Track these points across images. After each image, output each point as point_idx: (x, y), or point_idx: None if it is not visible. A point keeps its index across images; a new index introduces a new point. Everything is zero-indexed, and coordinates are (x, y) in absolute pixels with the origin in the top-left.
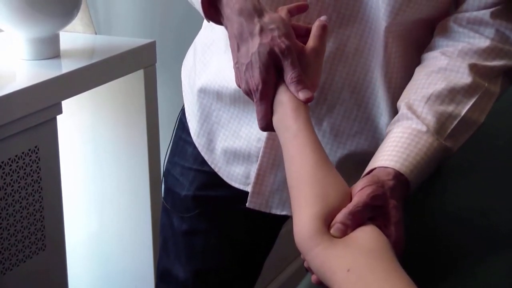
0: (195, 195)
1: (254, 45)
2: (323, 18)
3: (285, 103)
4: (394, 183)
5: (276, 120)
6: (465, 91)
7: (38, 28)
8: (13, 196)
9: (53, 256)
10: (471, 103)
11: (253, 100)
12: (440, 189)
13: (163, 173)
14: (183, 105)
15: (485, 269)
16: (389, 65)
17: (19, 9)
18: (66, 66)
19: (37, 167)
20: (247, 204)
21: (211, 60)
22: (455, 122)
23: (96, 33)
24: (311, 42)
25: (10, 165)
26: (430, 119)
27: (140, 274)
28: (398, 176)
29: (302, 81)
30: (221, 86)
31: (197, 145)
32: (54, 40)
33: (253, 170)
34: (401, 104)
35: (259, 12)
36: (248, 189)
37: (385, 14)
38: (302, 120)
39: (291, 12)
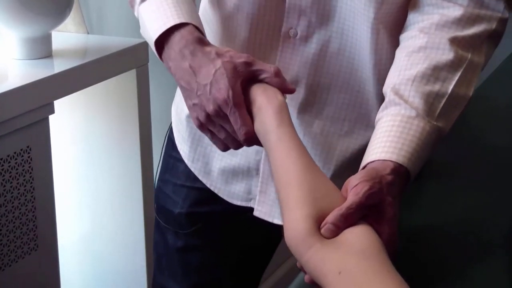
0: (188, 212)
1: (215, 64)
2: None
3: (265, 109)
4: (392, 178)
5: (257, 126)
6: (449, 67)
7: (30, 27)
8: (5, 196)
9: (45, 256)
10: (456, 78)
11: (225, 118)
12: (433, 190)
13: (155, 190)
14: (171, 123)
15: (479, 269)
16: (377, 56)
17: (11, 8)
18: (58, 66)
19: (29, 167)
20: (254, 212)
21: None
22: (444, 101)
23: (88, 33)
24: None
25: (2, 165)
26: (418, 101)
27: (132, 274)
28: (397, 168)
29: (281, 74)
30: None
31: (193, 170)
32: (46, 40)
33: (254, 184)
34: (387, 90)
35: (211, 45)
36: (250, 204)
37: (367, 4)
38: (284, 124)
39: None
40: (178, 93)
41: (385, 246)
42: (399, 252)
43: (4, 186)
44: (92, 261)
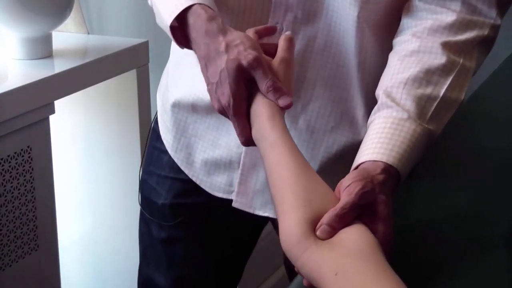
0: (172, 203)
1: (221, 62)
2: (288, 33)
3: (261, 114)
4: (384, 177)
5: (254, 132)
6: (441, 71)
7: (31, 27)
8: (6, 196)
9: (46, 256)
10: (448, 82)
11: (229, 118)
12: (430, 189)
13: (139, 182)
14: (156, 114)
15: (477, 269)
16: (362, 55)
17: (12, 8)
18: (59, 66)
19: (30, 167)
20: (233, 204)
21: (182, 75)
22: (435, 104)
23: (88, 33)
24: (279, 54)
25: (3, 165)
26: (410, 104)
27: (132, 273)
28: (387, 168)
29: (279, 88)
30: (195, 99)
31: (176, 160)
32: (46, 40)
33: (236, 176)
34: (380, 92)
35: (223, 31)
36: (232, 197)
37: (353, 3)
38: (279, 129)
39: (259, 34)
40: (163, 83)
41: (380, 245)
42: (396, 252)
43: (5, 186)
44: (93, 261)
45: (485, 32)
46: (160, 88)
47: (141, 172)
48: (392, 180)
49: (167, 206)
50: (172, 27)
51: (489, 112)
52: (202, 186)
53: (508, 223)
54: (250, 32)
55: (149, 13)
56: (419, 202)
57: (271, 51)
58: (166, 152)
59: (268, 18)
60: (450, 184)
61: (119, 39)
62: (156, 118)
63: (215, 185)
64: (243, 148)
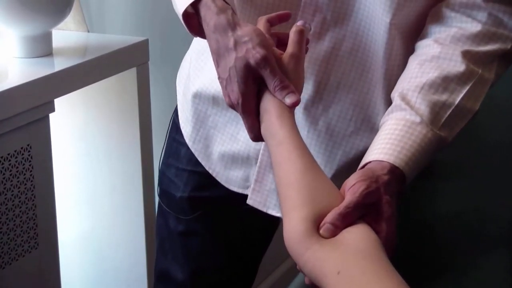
0: (190, 196)
1: (230, 60)
2: (300, 23)
3: (270, 111)
4: (389, 178)
5: (263, 129)
6: (459, 79)
7: (31, 26)
8: (6, 194)
9: (46, 254)
10: (465, 91)
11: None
12: (432, 189)
13: (158, 174)
14: (176, 106)
15: (478, 268)
16: (390, 62)
17: (12, 6)
18: (59, 64)
19: (30, 165)
20: (247, 201)
21: (205, 66)
22: (449, 111)
23: (88, 31)
24: (289, 49)
25: (3, 163)
26: (424, 109)
27: (133, 272)
28: (393, 170)
29: (286, 87)
30: (217, 91)
31: (193, 151)
32: (46, 38)
33: (253, 172)
34: (395, 94)
35: (232, 26)
36: (247, 192)
37: (386, 9)
38: (287, 127)
39: (272, 22)
40: (185, 72)
41: (383, 245)
42: (399, 251)
43: (5, 184)
44: (93, 259)
45: (508, 46)
46: (180, 77)
47: (160, 164)
48: (397, 181)
49: (185, 199)
50: (187, 15)
51: (492, 110)
52: (218, 179)
53: (509, 222)
54: (262, 20)
55: (149, 11)
56: (422, 202)
57: (285, 41)
58: (184, 144)
59: (296, 18)
60: (452, 184)
61: (119, 37)
62: (176, 110)
63: (231, 179)
64: (262, 145)
